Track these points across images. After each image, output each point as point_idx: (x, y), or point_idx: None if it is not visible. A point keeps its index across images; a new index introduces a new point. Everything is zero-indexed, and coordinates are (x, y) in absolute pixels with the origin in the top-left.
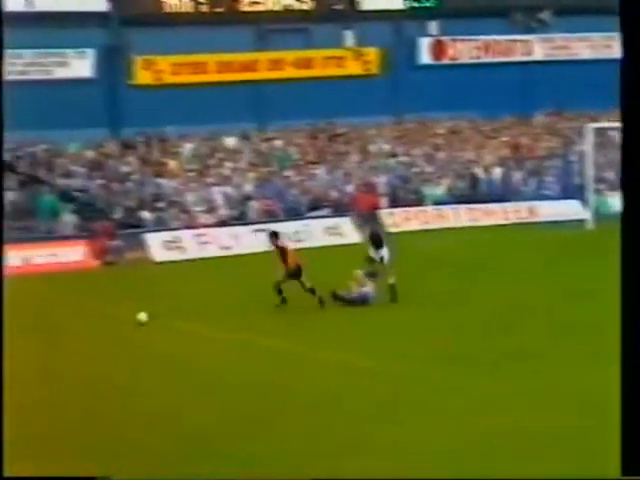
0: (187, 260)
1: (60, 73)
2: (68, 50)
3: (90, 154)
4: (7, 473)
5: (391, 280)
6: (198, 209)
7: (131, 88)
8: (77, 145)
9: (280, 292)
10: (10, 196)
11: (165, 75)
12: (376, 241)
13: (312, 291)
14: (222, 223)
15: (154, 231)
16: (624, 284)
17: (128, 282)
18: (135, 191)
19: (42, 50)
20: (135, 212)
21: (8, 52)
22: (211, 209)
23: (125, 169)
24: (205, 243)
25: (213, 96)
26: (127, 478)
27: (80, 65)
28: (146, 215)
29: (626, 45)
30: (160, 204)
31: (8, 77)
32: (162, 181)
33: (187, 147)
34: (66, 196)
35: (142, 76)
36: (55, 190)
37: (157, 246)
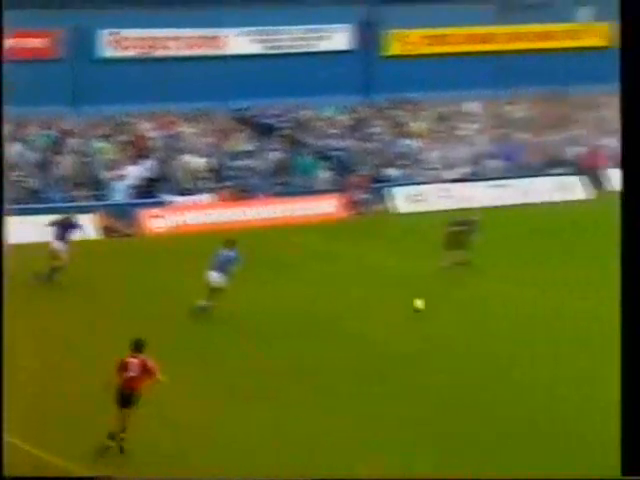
0: (428, 212)
1: (322, 46)
2: (330, 26)
3: (344, 118)
4: (9, 473)
5: None
6: (439, 166)
7: (383, 59)
8: (332, 110)
9: None
10: (274, 156)
11: (415, 47)
12: None
13: None
14: (461, 179)
15: (399, 185)
16: (623, 283)
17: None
18: (383, 150)
19: (307, 26)
20: (382, 169)
21: (272, 29)
22: (451, 166)
23: (374, 130)
24: (445, 197)
25: (457, 65)
26: (128, 477)
27: (340, 39)
28: (392, 171)
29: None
30: (405, 162)
31: (274, 51)
32: (407, 141)
33: (432, 110)
34: (322, 155)
35: (394, 47)
36: (313, 150)
37: (402, 199)
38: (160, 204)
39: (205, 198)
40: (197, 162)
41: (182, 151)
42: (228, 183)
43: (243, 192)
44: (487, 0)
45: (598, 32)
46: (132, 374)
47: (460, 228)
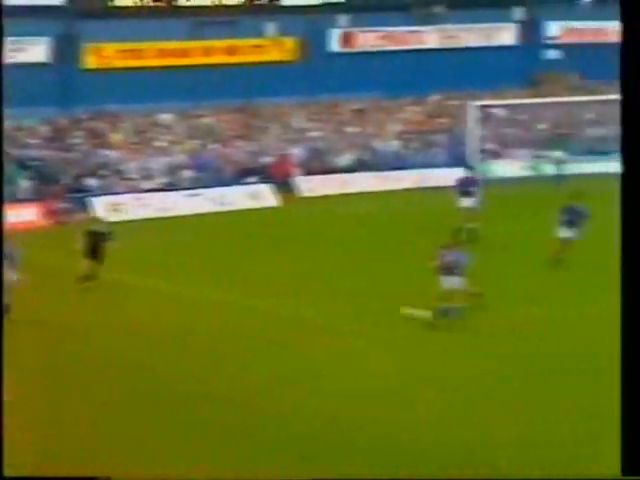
0: (127, 221)
1: (20, 58)
2: (27, 38)
3: (44, 129)
4: (7, 473)
5: None
6: (137, 176)
7: (81, 72)
8: (33, 120)
9: None
10: None
11: (110, 60)
12: None
13: None
14: (158, 189)
15: (99, 195)
16: (624, 281)
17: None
18: (83, 160)
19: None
20: (83, 179)
21: None
22: (149, 176)
23: (74, 141)
24: (143, 206)
25: (152, 79)
26: (127, 478)
27: (37, 51)
28: (93, 181)
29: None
30: (104, 172)
31: None
32: (106, 152)
33: (129, 122)
34: (23, 164)
35: (91, 61)
36: (13, 159)
37: (102, 209)
38: None
39: None
40: None
41: None
42: None
43: None
44: (180, 16)
45: (284, 46)
46: None
47: (95, 238)
